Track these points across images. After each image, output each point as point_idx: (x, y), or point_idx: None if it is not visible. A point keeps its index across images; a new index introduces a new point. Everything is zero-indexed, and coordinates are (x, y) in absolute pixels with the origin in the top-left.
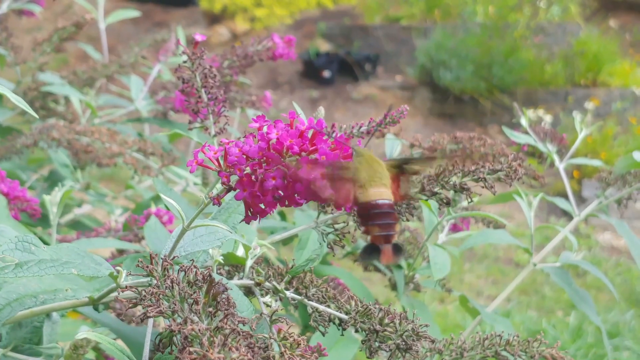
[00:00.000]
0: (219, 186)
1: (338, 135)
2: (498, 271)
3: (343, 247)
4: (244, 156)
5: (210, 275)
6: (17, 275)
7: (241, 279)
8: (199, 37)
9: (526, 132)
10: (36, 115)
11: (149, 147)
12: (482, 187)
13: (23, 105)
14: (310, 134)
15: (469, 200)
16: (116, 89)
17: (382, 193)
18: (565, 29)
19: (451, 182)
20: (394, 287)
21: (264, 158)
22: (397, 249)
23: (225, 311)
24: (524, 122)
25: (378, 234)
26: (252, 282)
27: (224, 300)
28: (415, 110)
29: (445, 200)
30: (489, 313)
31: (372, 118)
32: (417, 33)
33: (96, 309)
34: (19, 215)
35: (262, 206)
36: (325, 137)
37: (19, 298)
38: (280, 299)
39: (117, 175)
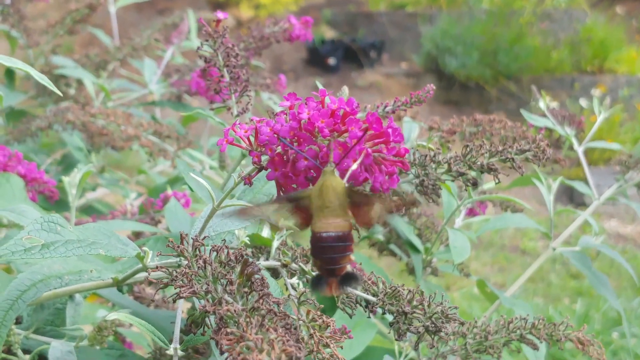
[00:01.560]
0: (239, 169)
1: (370, 114)
2: (504, 258)
3: (368, 228)
4: (275, 135)
5: (242, 255)
6: (44, 256)
7: (266, 260)
8: (221, 15)
9: (544, 116)
10: (60, 94)
11: (164, 130)
12: (510, 168)
13: (48, 84)
14: (341, 113)
15: (497, 181)
16: (126, 74)
17: (328, 225)
18: (571, 16)
19: (478, 163)
20: (411, 271)
21: (296, 138)
22: (347, 280)
23: (260, 292)
24: (542, 105)
25: (320, 267)
26: (279, 263)
27: (258, 280)
28: None
29: (472, 181)
30: (508, 297)
31: (397, 97)
32: (423, 20)
33: (120, 290)
34: (36, 197)
35: (294, 186)
36: (356, 117)
37: (43, 279)
38: (307, 281)
39: (123, 163)
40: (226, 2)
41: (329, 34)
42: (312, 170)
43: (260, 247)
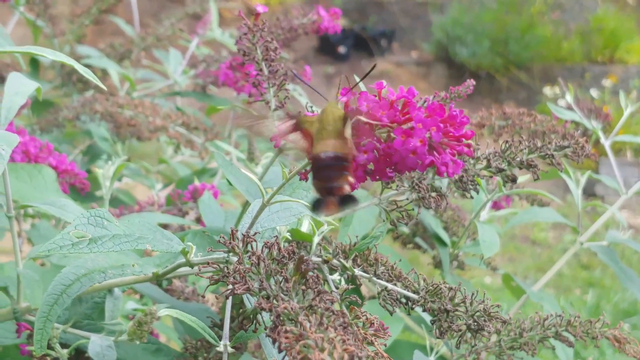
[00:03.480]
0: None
1: (430, 101)
2: (514, 249)
3: (407, 224)
4: None
5: (294, 252)
6: (92, 250)
7: (307, 256)
8: (260, 9)
9: (570, 108)
10: (104, 87)
11: (192, 122)
12: (549, 164)
13: (93, 78)
14: (400, 104)
15: (536, 177)
16: (147, 64)
17: (326, 146)
18: (582, 5)
19: (517, 159)
20: (437, 265)
21: (354, 131)
22: (345, 200)
23: (316, 289)
24: (568, 98)
25: (319, 187)
26: (320, 259)
27: (313, 278)
28: (430, 86)
29: (511, 178)
30: (536, 292)
31: (436, 92)
32: (433, 8)
33: (159, 284)
34: (67, 189)
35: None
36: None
37: (87, 273)
38: (348, 277)
39: (135, 151)
40: None
41: (340, 22)
42: (370, 164)
43: (299, 242)
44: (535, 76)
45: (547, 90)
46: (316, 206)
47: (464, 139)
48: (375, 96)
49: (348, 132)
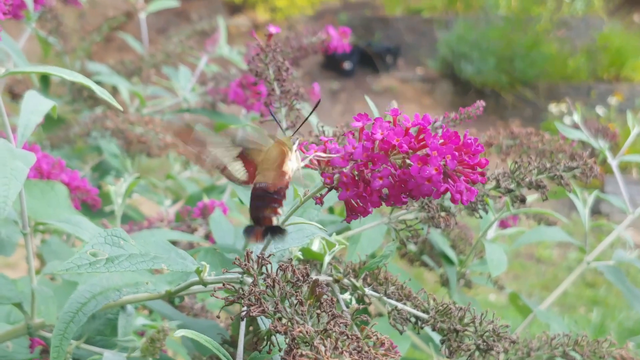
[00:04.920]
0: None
1: (445, 129)
2: (519, 266)
3: (416, 243)
4: (350, 157)
5: (308, 274)
6: (109, 270)
7: (318, 275)
8: (273, 30)
9: (578, 128)
10: (120, 108)
11: None
12: (557, 185)
13: (109, 99)
14: (415, 130)
15: (544, 198)
16: (156, 80)
17: (262, 177)
18: (588, 23)
19: (527, 180)
20: (444, 283)
21: (370, 158)
22: (270, 231)
23: (330, 312)
24: (576, 117)
25: (250, 215)
26: (331, 278)
27: (327, 301)
28: (435, 103)
29: (520, 198)
30: (543, 311)
31: (446, 113)
32: (439, 25)
33: (172, 302)
34: (79, 206)
35: (361, 204)
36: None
37: (103, 291)
38: (359, 296)
39: (140, 165)
40: (242, 5)
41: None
42: (385, 189)
43: (310, 261)
44: (541, 94)
45: (553, 108)
46: (246, 232)
47: (478, 167)
48: (390, 122)
49: (288, 166)
